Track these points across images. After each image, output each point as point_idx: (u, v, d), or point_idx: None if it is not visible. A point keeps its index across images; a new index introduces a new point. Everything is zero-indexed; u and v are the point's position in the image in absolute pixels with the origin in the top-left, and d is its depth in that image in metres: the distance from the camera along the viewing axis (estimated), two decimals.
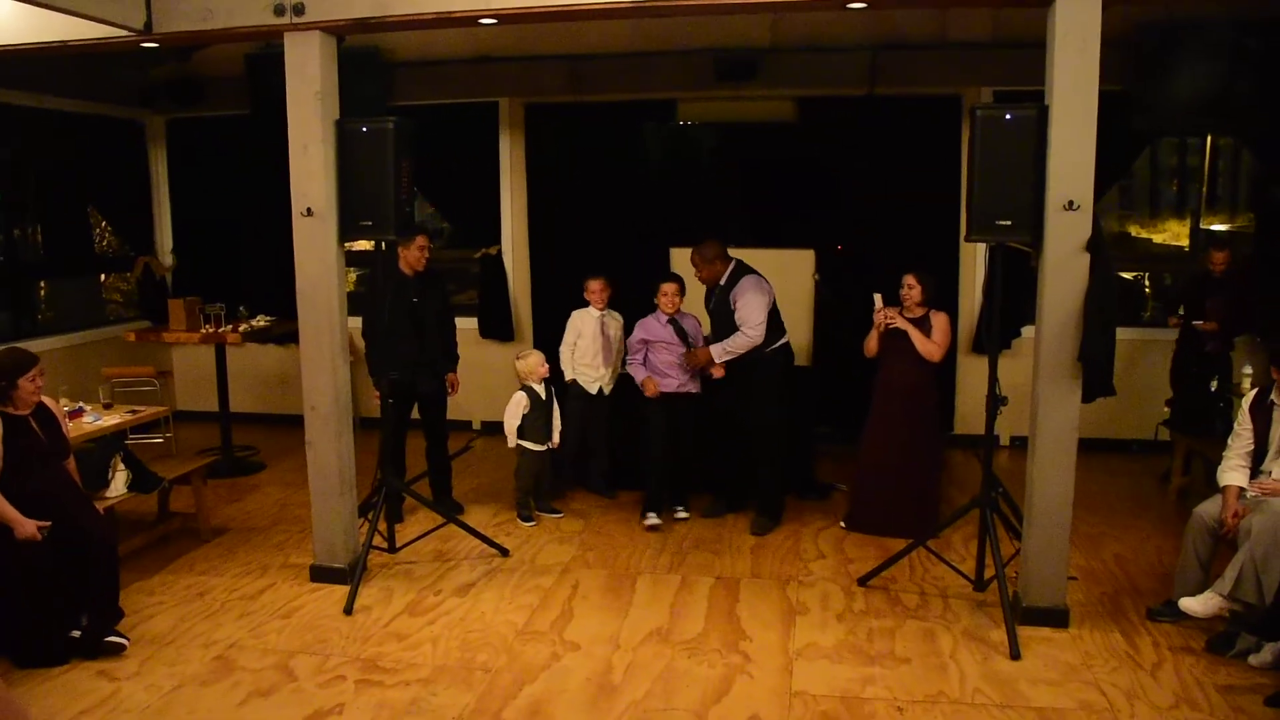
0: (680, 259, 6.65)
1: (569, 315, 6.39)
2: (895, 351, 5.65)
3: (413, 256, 5.77)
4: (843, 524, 5.88)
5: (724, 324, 5.73)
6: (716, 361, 5.71)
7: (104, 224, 8.99)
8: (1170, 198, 8.69)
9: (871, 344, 5.75)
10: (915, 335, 5.57)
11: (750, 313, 5.58)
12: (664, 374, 5.90)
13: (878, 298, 5.65)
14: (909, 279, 5.67)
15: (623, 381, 6.34)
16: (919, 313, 5.65)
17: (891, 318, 5.61)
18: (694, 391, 5.97)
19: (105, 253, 9.15)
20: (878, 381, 5.78)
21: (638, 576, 5.14)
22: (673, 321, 5.92)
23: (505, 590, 4.97)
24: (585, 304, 6.33)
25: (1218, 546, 4.42)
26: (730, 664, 4.15)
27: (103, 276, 9.23)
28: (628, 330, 6.16)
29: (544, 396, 5.94)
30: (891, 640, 4.37)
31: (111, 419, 5.39)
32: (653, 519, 5.86)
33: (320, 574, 5.06)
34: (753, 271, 5.74)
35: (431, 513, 5.66)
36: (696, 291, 5.96)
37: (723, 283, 5.73)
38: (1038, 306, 4.39)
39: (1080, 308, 4.25)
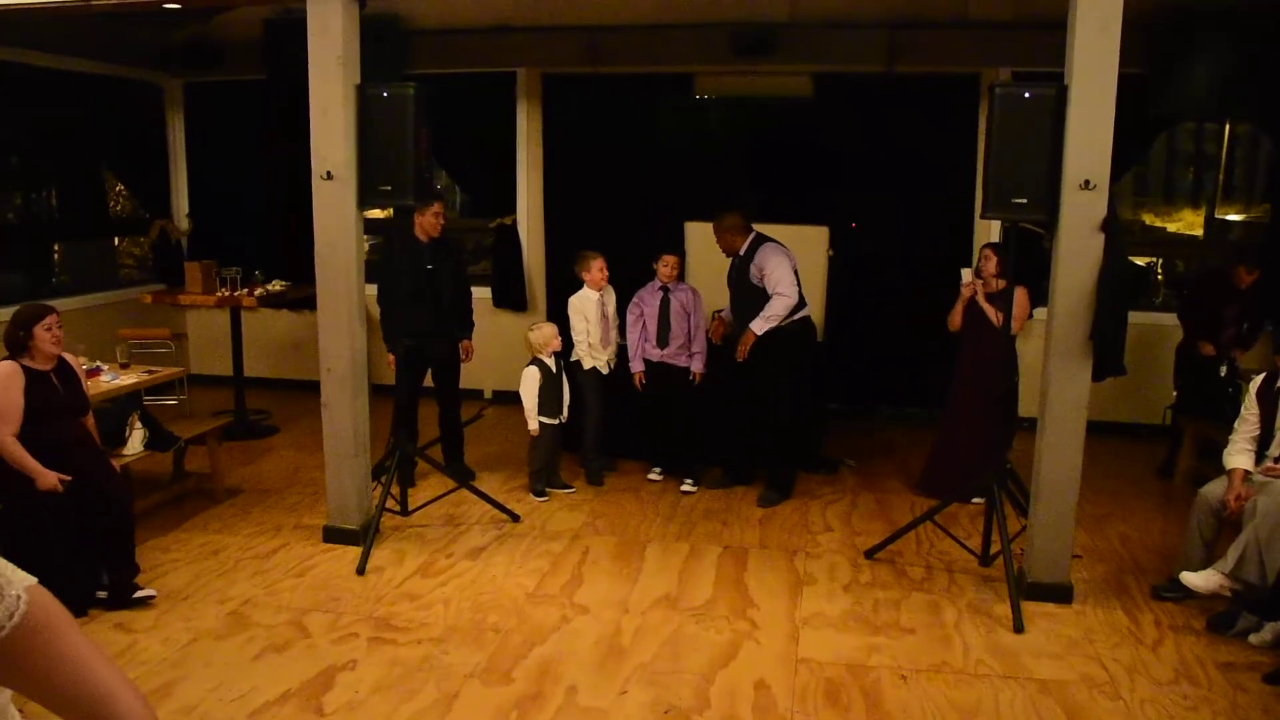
0: (694, 233, 6.67)
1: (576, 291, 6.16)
2: (977, 325, 5.72)
3: (428, 223, 5.80)
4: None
5: (743, 292, 5.80)
6: (759, 333, 5.62)
7: (119, 187, 9.02)
8: (1186, 186, 8.63)
9: (955, 318, 5.84)
10: (990, 311, 5.63)
11: (780, 275, 5.63)
12: (650, 344, 6.05)
13: (966, 272, 5.72)
14: (986, 251, 5.78)
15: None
16: (999, 285, 5.66)
17: (977, 291, 5.70)
18: (681, 365, 6.04)
19: (119, 216, 9.18)
20: (961, 354, 5.87)
21: (647, 544, 5.19)
22: (664, 289, 5.99)
23: (516, 555, 5.03)
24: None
25: (1222, 528, 4.46)
26: (737, 630, 4.20)
27: (116, 240, 9.26)
28: (624, 302, 6.18)
29: (555, 370, 5.96)
30: (897, 611, 4.42)
31: (128, 379, 5.44)
32: (655, 473, 6.24)
33: (333, 535, 5.12)
34: (773, 241, 5.77)
35: (444, 478, 5.72)
36: (720, 266, 6.02)
37: (741, 253, 5.78)
38: (1050, 285, 4.40)
39: (1093, 287, 4.27)
